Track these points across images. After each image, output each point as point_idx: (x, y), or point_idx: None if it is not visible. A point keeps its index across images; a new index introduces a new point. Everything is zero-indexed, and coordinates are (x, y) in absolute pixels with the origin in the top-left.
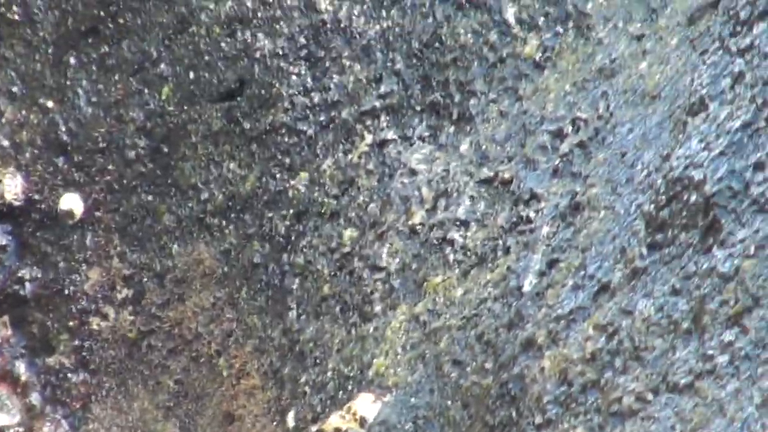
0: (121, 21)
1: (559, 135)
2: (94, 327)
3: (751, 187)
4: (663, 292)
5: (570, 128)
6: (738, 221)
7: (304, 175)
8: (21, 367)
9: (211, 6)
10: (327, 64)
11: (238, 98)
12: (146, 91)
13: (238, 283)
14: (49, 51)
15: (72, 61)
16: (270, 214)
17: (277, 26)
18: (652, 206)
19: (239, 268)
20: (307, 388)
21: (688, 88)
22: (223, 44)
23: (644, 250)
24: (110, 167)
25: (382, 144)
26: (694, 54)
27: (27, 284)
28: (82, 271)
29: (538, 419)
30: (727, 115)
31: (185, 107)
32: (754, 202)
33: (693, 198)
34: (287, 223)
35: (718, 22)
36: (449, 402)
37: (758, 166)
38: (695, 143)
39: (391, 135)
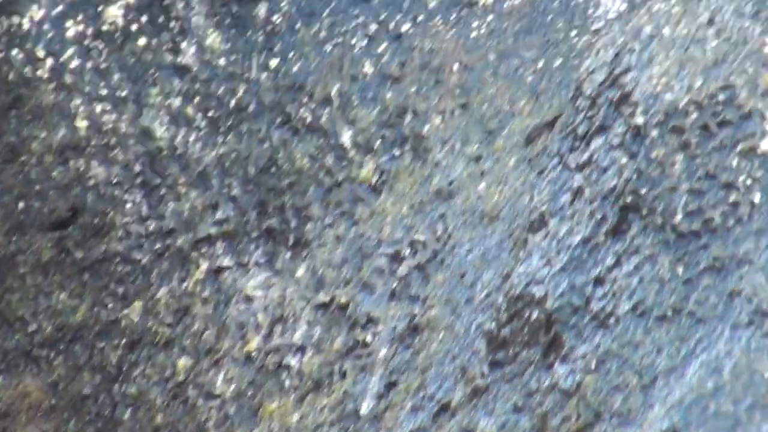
0: None
1: (396, 258)
2: None
3: (592, 302)
4: (505, 409)
5: (408, 251)
6: (579, 336)
7: (137, 304)
8: None
9: (43, 135)
10: (163, 191)
11: (70, 227)
12: None
13: (66, 416)
14: None
15: None
16: (101, 345)
17: (112, 154)
18: (494, 324)
19: (68, 400)
20: None
21: (528, 207)
22: (54, 173)
23: (485, 369)
24: None
25: (218, 271)
26: (532, 173)
27: None
28: None
29: None
30: (567, 231)
31: (14, 238)
32: (595, 317)
33: (534, 314)
34: (119, 352)
35: (556, 139)
36: None
37: (598, 281)
38: (536, 260)
39: (227, 262)
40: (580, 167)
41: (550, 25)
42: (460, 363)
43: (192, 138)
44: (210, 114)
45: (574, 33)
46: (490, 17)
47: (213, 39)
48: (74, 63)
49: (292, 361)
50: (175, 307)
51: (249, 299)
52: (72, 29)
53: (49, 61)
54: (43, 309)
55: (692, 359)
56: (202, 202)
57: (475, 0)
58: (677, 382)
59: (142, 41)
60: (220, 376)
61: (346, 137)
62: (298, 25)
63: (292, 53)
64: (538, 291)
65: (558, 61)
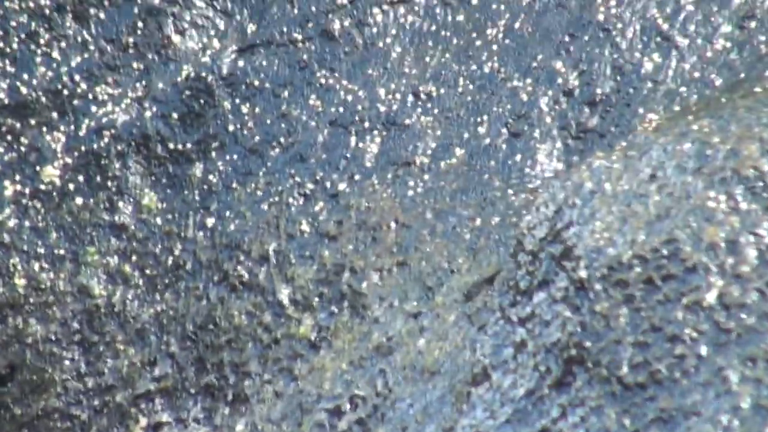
0: None
1: (336, 413)
2: None
3: None
4: None
5: (348, 406)
6: None
7: None
8: None
9: None
10: (101, 348)
11: (9, 384)
12: None
13: None
14: None
15: None
16: None
17: (50, 311)
18: None
19: None
20: None
21: (469, 361)
22: None
23: None
24: None
25: (157, 427)
26: (473, 328)
27: None
28: None
29: None
30: (510, 384)
31: None
32: None
33: None
34: None
35: (497, 294)
36: None
37: None
38: (480, 412)
39: (165, 418)
40: (523, 321)
41: (487, 183)
42: None
43: (130, 296)
44: (147, 272)
45: (511, 191)
46: (427, 176)
47: (149, 198)
48: (12, 222)
49: None
50: None
51: None
52: (10, 189)
53: None
54: None
55: None
56: (141, 358)
57: (412, 159)
58: None
59: (79, 200)
60: None
61: (284, 294)
62: (234, 185)
63: (228, 212)
64: None
65: (496, 219)
